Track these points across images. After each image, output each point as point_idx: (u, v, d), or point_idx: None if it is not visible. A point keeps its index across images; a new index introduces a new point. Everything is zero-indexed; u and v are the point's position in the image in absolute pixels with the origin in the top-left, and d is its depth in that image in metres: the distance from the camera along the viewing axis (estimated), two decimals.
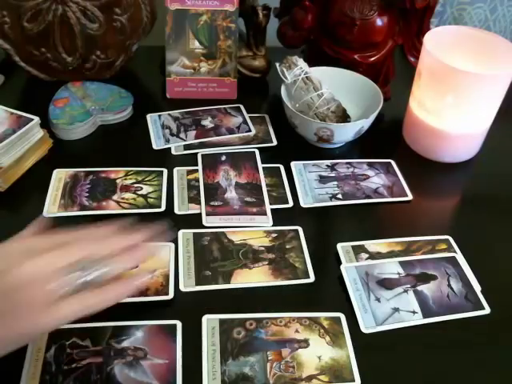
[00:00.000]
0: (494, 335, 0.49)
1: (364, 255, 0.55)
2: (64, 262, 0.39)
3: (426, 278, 0.53)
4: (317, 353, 0.46)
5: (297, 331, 0.47)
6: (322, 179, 0.64)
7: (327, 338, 0.47)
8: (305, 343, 0.46)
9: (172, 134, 0.69)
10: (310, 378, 0.44)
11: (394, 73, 0.77)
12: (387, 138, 0.72)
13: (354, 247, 0.55)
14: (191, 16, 0.71)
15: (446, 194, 0.66)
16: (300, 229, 0.57)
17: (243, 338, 0.47)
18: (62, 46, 0.72)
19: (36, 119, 0.62)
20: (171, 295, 0.49)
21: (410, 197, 0.62)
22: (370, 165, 0.66)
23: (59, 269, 0.39)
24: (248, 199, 0.60)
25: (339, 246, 0.55)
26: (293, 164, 0.65)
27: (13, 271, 0.38)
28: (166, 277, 0.51)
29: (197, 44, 0.73)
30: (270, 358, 0.45)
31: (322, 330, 0.47)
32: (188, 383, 0.43)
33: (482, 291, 0.52)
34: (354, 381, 0.44)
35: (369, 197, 0.62)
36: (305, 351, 0.46)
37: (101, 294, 0.40)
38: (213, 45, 0.73)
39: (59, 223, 0.54)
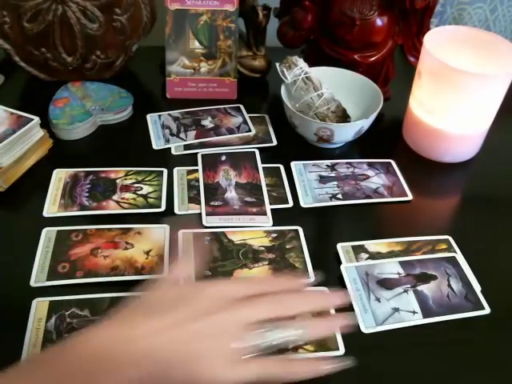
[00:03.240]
0: (494, 335, 0.49)
1: (364, 255, 0.55)
2: (253, 319, 0.38)
3: (425, 278, 0.52)
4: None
5: None
6: (322, 179, 0.64)
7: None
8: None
9: (172, 134, 0.69)
10: (296, 348, 0.45)
11: (394, 73, 0.77)
12: (387, 138, 0.72)
13: (353, 247, 0.55)
14: (191, 16, 0.71)
15: (446, 194, 0.66)
16: (300, 229, 0.57)
17: None
18: (62, 46, 0.72)
19: (36, 119, 0.62)
20: (165, 274, 0.51)
21: (410, 197, 0.62)
22: (370, 165, 0.66)
23: (247, 325, 0.37)
24: (248, 199, 0.60)
25: (339, 245, 0.55)
26: (293, 164, 0.65)
27: (204, 318, 0.37)
28: (161, 257, 0.53)
29: (197, 44, 0.73)
30: None
31: None
32: None
33: (482, 291, 0.52)
34: (338, 349, 0.45)
35: (369, 197, 0.62)
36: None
37: (285, 367, 0.38)
38: (213, 45, 0.73)
39: (60, 223, 0.55)
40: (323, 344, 0.46)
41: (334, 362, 0.39)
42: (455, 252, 0.56)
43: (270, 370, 0.37)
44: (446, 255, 0.55)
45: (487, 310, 0.50)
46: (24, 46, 0.71)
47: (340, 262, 0.53)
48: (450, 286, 0.52)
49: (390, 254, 0.55)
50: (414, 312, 0.49)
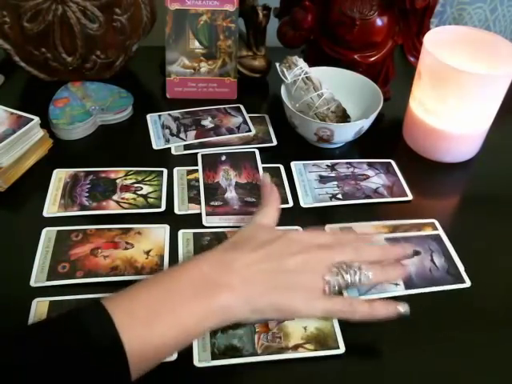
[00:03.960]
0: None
1: None
2: (336, 259, 0.45)
3: None
4: (302, 323, 0.47)
5: None
6: (322, 179, 0.64)
7: None
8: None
9: (172, 134, 0.69)
10: (296, 346, 0.46)
11: (394, 73, 0.77)
12: (387, 137, 0.72)
13: (341, 228, 0.57)
14: (191, 16, 0.71)
15: (446, 194, 0.66)
16: (300, 229, 0.57)
17: None
18: (62, 46, 0.72)
19: (36, 119, 0.62)
20: None
21: (410, 197, 0.62)
22: (370, 165, 0.66)
23: (332, 265, 0.44)
24: (248, 199, 0.60)
25: (327, 227, 0.57)
26: (293, 164, 0.65)
27: (297, 256, 0.44)
28: (161, 257, 0.52)
29: (197, 44, 0.73)
30: (257, 330, 0.47)
31: None
32: (180, 355, 0.44)
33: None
34: (338, 348, 0.46)
35: (369, 197, 0.62)
36: (291, 323, 0.47)
37: (367, 306, 0.44)
38: (213, 45, 0.73)
39: (60, 223, 0.55)
40: (324, 343, 0.46)
41: (392, 306, 0.44)
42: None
43: (355, 307, 0.44)
44: (431, 233, 0.57)
45: (468, 284, 0.51)
46: (24, 46, 0.71)
47: None
48: (432, 260, 0.54)
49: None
50: (396, 284, 0.51)
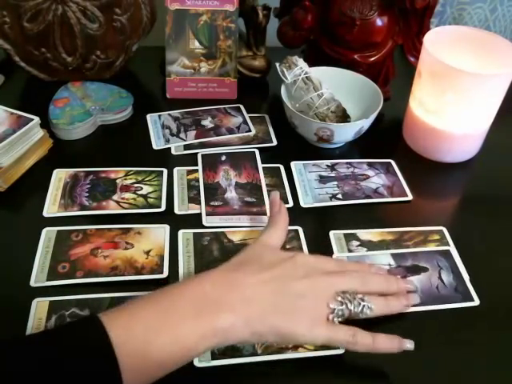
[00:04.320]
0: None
1: (355, 242, 0.55)
2: (342, 287, 0.44)
3: (416, 270, 0.53)
4: None
5: None
6: (322, 179, 0.64)
7: None
8: None
9: (172, 134, 0.69)
10: (296, 346, 0.46)
11: (394, 73, 0.77)
12: (387, 137, 0.72)
13: (345, 235, 0.56)
14: (191, 16, 0.71)
15: (446, 194, 0.66)
16: (300, 229, 0.57)
17: None
18: (62, 46, 0.72)
19: (36, 119, 0.62)
20: (165, 274, 0.51)
21: (410, 197, 0.62)
22: (370, 165, 0.66)
23: (337, 293, 0.43)
24: (248, 199, 0.60)
25: (331, 233, 0.56)
26: (293, 164, 0.65)
27: (302, 280, 0.43)
28: (161, 257, 0.52)
29: (197, 44, 0.73)
30: None
31: None
32: None
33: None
34: (338, 348, 0.45)
35: (369, 197, 0.62)
36: None
37: (370, 339, 0.43)
38: (213, 45, 0.73)
39: (60, 223, 0.55)
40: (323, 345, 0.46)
41: (395, 342, 0.44)
42: (448, 244, 0.56)
43: (358, 337, 0.42)
44: (440, 248, 0.55)
45: (476, 302, 0.50)
46: (24, 46, 0.71)
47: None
48: (440, 278, 0.53)
49: (382, 243, 0.56)
50: None
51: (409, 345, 0.44)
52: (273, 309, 0.41)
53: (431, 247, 0.56)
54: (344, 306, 0.43)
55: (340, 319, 0.43)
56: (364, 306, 0.44)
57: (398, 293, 0.48)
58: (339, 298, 0.43)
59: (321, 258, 0.48)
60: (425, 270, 0.53)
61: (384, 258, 0.54)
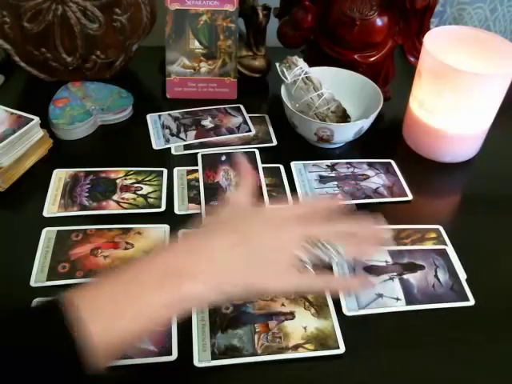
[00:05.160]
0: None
1: None
2: (310, 233, 0.43)
3: (413, 268, 0.53)
4: (302, 324, 0.48)
5: (283, 305, 0.49)
6: (322, 179, 0.64)
7: (312, 310, 0.49)
8: (291, 315, 0.48)
9: (172, 134, 0.69)
10: (296, 347, 0.46)
11: (394, 73, 0.77)
12: (387, 137, 0.72)
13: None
14: (191, 16, 0.71)
15: (446, 194, 0.66)
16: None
17: (231, 312, 0.48)
18: (62, 46, 0.72)
19: (36, 119, 0.62)
20: None
21: (410, 197, 0.62)
22: (370, 165, 0.66)
23: (302, 240, 0.43)
24: None
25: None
26: (293, 164, 0.65)
27: (268, 233, 0.43)
28: None
29: (197, 44, 0.73)
30: (257, 330, 0.47)
31: (307, 303, 0.49)
32: (180, 355, 0.44)
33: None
34: (338, 348, 0.46)
35: (369, 197, 0.62)
36: (291, 323, 0.48)
37: (325, 281, 0.44)
38: (213, 45, 0.73)
39: (60, 223, 0.55)
40: (324, 343, 0.46)
41: (364, 283, 0.46)
42: (445, 243, 0.56)
43: (311, 282, 0.42)
44: (437, 247, 0.55)
45: (471, 302, 0.50)
46: (24, 46, 0.71)
47: None
48: (436, 276, 0.53)
49: None
50: (397, 299, 0.50)
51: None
52: (242, 268, 0.41)
53: (428, 245, 0.56)
54: (309, 252, 0.42)
55: (309, 266, 0.42)
56: (329, 249, 0.43)
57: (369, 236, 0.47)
58: (303, 245, 0.42)
59: (288, 206, 0.49)
60: (421, 267, 0.53)
61: (381, 255, 0.54)
